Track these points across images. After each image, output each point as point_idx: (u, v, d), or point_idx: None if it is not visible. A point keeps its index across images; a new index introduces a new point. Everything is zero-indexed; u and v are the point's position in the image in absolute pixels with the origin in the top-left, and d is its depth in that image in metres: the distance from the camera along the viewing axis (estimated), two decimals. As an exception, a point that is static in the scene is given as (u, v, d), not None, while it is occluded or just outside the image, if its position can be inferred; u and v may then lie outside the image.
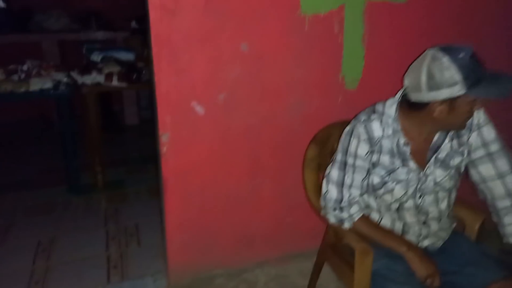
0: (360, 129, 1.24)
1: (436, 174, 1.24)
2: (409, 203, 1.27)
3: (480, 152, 1.25)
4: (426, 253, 1.25)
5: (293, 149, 1.82)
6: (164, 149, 1.63)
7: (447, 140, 1.22)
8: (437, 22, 1.85)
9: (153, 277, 1.97)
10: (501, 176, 1.25)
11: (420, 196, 1.26)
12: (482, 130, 1.23)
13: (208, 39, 1.53)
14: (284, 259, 2.05)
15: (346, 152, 1.27)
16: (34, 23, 3.92)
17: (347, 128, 1.29)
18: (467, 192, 1.41)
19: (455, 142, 1.24)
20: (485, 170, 1.26)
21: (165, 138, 1.61)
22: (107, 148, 3.53)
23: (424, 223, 1.30)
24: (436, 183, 1.25)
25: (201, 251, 1.89)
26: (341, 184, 1.28)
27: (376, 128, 1.23)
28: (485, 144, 1.24)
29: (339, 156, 1.30)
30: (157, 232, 2.24)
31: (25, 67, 2.49)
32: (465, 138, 1.24)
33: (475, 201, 1.53)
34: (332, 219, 1.33)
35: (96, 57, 2.85)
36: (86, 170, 2.99)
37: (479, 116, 1.23)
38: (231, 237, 1.93)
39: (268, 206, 1.94)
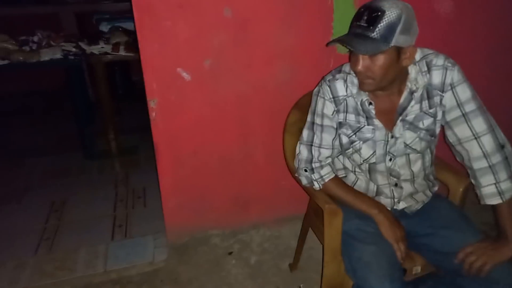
0: (325, 89, 1.25)
1: (406, 136, 1.23)
2: (381, 166, 1.28)
3: (455, 113, 1.21)
4: (396, 218, 1.27)
5: (284, 115, 1.83)
6: (153, 114, 1.69)
7: (414, 102, 1.20)
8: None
9: (153, 236, 2.09)
10: (477, 136, 1.20)
11: (390, 159, 1.26)
12: (456, 90, 1.19)
13: (189, 4, 1.54)
14: (279, 221, 2.11)
15: (314, 112, 1.29)
16: (52, -6, 4.04)
17: (315, 89, 1.30)
18: (453, 155, 1.40)
19: (425, 103, 1.21)
20: (461, 131, 1.22)
21: (153, 103, 1.67)
22: (125, 116, 3.69)
23: (396, 185, 1.31)
24: (406, 145, 1.24)
25: (196, 212, 1.98)
26: (310, 144, 1.31)
27: (340, 87, 1.24)
28: (460, 104, 1.20)
29: (308, 117, 1.32)
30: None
31: (35, 38, 2.60)
32: (436, 99, 1.21)
33: (460, 165, 1.51)
34: (304, 180, 1.36)
35: (105, 27, 2.92)
36: (102, 137, 3.14)
37: (452, 75, 1.18)
38: (226, 199, 2.00)
39: (262, 170, 1.99)
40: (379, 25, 1.04)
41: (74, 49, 2.67)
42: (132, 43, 2.83)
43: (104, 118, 3.07)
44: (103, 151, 3.08)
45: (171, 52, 1.59)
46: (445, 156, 1.47)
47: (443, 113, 1.23)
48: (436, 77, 1.19)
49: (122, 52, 2.75)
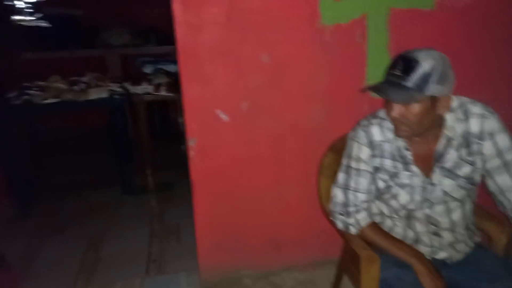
0: (361, 134, 1.27)
1: (445, 183, 1.22)
2: (419, 213, 1.26)
3: (495, 162, 1.20)
4: (436, 267, 1.23)
5: (318, 157, 1.84)
6: (192, 153, 1.76)
7: (451, 149, 1.19)
8: (465, 29, 1.79)
9: (186, 273, 2.10)
10: None
11: (429, 206, 1.24)
12: (495, 139, 1.18)
13: (230, 51, 1.64)
14: (313, 265, 2.07)
15: (349, 156, 1.30)
16: (100, 39, 4.36)
17: (350, 133, 1.32)
18: (495, 204, 1.35)
19: (463, 151, 1.20)
20: (502, 180, 1.20)
21: (192, 143, 1.74)
22: (161, 152, 3.82)
23: (435, 233, 1.27)
24: (445, 193, 1.22)
25: (229, 251, 1.98)
26: (346, 187, 1.31)
27: (376, 133, 1.25)
28: (500, 153, 1.18)
29: (344, 160, 1.33)
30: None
31: (85, 79, 2.80)
32: (475, 147, 1.20)
33: (503, 214, 1.46)
34: (339, 224, 1.35)
35: (148, 69, 3.11)
36: (140, 173, 3.26)
37: (491, 123, 1.18)
38: (259, 239, 2.00)
39: (296, 211, 1.99)
40: (413, 75, 1.07)
41: (119, 89, 2.85)
42: (173, 84, 2.98)
43: (143, 155, 3.20)
44: (140, 187, 3.18)
45: (211, 95, 1.68)
46: (487, 204, 1.43)
47: (483, 161, 1.22)
48: (474, 125, 1.19)
49: (163, 93, 2.91)
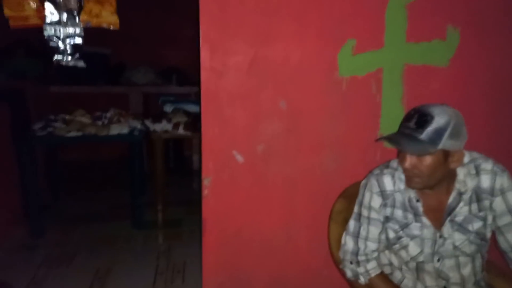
0: (373, 183, 1.29)
1: (455, 237, 1.22)
2: (429, 266, 1.25)
3: (506, 219, 1.21)
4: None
5: (329, 203, 1.86)
6: (205, 191, 1.79)
7: (463, 203, 1.21)
8: (478, 87, 1.85)
9: (189, 315, 2.07)
10: None
11: (438, 260, 1.24)
12: (506, 195, 1.20)
13: (250, 96, 1.72)
14: (319, 313, 2.02)
15: (361, 204, 1.32)
16: (125, 77, 4.56)
17: (362, 182, 1.35)
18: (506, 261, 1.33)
19: (474, 206, 1.21)
20: None
21: (207, 181, 1.78)
22: (174, 189, 3.87)
23: (445, 288, 1.26)
24: (455, 247, 1.22)
25: (234, 294, 1.95)
26: (357, 236, 1.32)
27: (388, 182, 1.28)
28: (511, 210, 1.20)
29: (355, 208, 1.35)
30: (202, 271, 2.37)
31: (108, 114, 2.92)
32: (486, 202, 1.21)
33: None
34: (348, 273, 1.34)
35: (168, 108, 3.23)
36: (150, 208, 3.29)
37: (502, 180, 1.20)
38: (264, 284, 1.97)
39: (304, 256, 1.97)
40: (427, 129, 1.11)
41: (139, 126, 2.95)
42: (191, 123, 3.07)
43: (156, 190, 3.24)
44: (150, 222, 3.19)
45: (229, 136, 1.74)
46: (498, 261, 1.41)
47: (494, 218, 1.22)
48: (485, 181, 1.21)
49: (181, 131, 2.99)
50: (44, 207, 3.07)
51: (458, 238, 1.22)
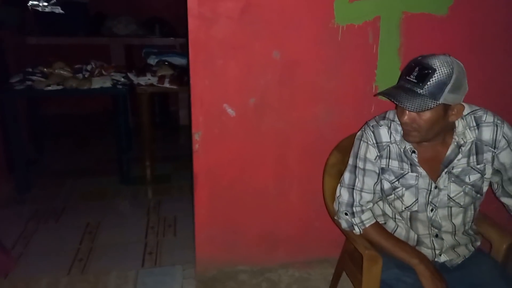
0: (368, 134, 1.27)
1: (450, 188, 1.22)
2: (422, 215, 1.27)
3: None
4: (437, 269, 1.24)
5: (322, 156, 1.84)
6: (196, 146, 1.75)
7: (461, 155, 1.20)
8: (479, 35, 1.80)
9: (182, 267, 2.10)
10: None
11: (432, 209, 1.25)
12: None
13: (242, 46, 1.63)
14: (309, 263, 2.07)
15: (356, 156, 1.31)
16: (105, 27, 4.32)
17: (358, 133, 1.33)
18: (497, 211, 1.36)
19: (472, 158, 1.21)
20: None
21: (197, 136, 1.73)
22: (160, 144, 3.81)
23: (437, 236, 1.28)
24: (449, 198, 1.23)
25: (227, 246, 1.98)
26: (352, 187, 1.31)
27: (384, 134, 1.26)
28: None
29: (350, 160, 1.34)
30: (193, 225, 2.38)
31: (89, 67, 2.78)
32: (487, 155, 1.20)
33: (505, 221, 1.47)
34: (343, 224, 1.35)
35: (152, 60, 3.09)
36: (138, 163, 3.24)
37: (503, 132, 1.19)
38: (256, 236, 2.00)
39: (296, 209, 1.99)
40: (428, 83, 1.07)
41: (122, 79, 2.83)
42: (177, 77, 2.96)
43: (142, 146, 3.18)
44: (138, 177, 3.16)
45: (220, 89, 1.67)
46: (489, 211, 1.44)
47: (503, 170, 1.23)
48: (486, 133, 1.20)
49: (166, 85, 2.88)
50: (29, 162, 2.99)
51: (454, 189, 1.23)
